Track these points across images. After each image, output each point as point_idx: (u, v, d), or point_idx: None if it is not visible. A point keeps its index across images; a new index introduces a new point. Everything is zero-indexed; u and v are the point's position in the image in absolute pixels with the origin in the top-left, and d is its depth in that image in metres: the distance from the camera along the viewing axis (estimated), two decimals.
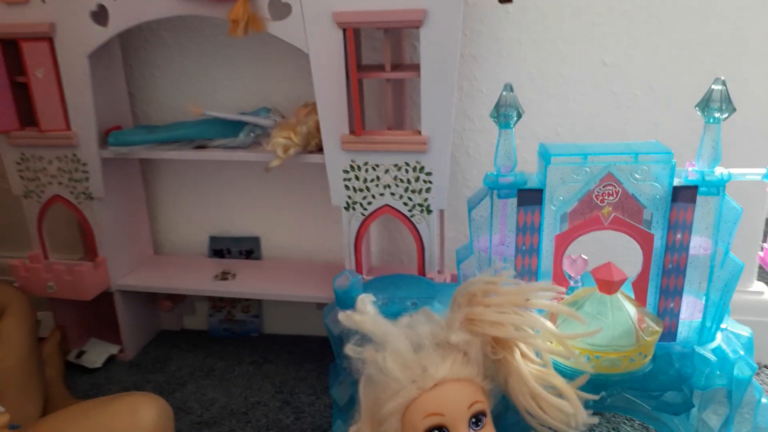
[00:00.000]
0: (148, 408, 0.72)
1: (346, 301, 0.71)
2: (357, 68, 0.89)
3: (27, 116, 1.02)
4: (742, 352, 0.68)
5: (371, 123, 1.03)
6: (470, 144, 1.06)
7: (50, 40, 0.96)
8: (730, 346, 0.70)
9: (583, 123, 1.01)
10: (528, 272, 0.69)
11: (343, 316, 0.64)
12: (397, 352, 0.59)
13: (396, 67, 0.94)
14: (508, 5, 0.97)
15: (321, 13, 0.86)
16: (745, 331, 0.73)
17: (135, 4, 0.91)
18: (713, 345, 0.69)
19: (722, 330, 0.72)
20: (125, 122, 1.10)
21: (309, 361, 1.14)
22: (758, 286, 1.06)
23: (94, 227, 1.07)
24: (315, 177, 1.09)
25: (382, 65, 0.91)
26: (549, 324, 0.60)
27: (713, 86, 0.63)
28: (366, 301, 0.66)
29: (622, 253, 0.75)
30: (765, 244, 0.70)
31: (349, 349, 0.62)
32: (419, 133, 0.90)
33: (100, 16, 0.93)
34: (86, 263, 1.06)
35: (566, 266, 0.78)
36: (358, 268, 1.00)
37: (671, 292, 0.68)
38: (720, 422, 0.68)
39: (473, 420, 0.57)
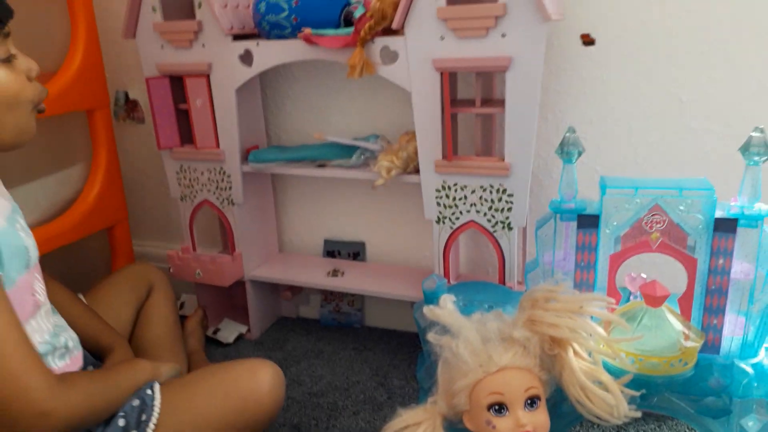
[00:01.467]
0: (265, 371, 0.83)
1: (433, 300, 0.84)
2: (450, 104, 1.05)
3: (186, 136, 1.28)
4: None
5: (464, 148, 1.18)
6: (553, 168, 1.18)
7: (207, 77, 1.20)
8: None
9: (660, 155, 1.10)
10: (585, 285, 0.82)
11: (427, 310, 0.79)
12: (468, 341, 0.73)
13: (486, 101, 1.09)
14: (591, 47, 1.09)
15: (423, 60, 1.02)
16: None
17: (274, 49, 1.13)
18: (755, 360, 0.78)
19: (767, 349, 0.80)
20: (261, 142, 1.33)
21: (402, 351, 1.31)
22: None
23: (233, 227, 1.31)
24: (412, 194, 1.26)
25: (473, 100, 1.06)
26: (599, 328, 0.72)
27: (753, 133, 0.72)
28: (447, 300, 0.81)
29: (674, 273, 0.85)
30: None
31: (431, 336, 0.78)
32: (503, 159, 1.04)
33: (247, 58, 1.16)
34: (226, 256, 1.30)
35: (627, 282, 0.89)
36: (446, 274, 1.15)
37: (714, 310, 0.78)
38: (757, 429, 0.76)
39: (528, 401, 0.70)
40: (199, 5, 1.15)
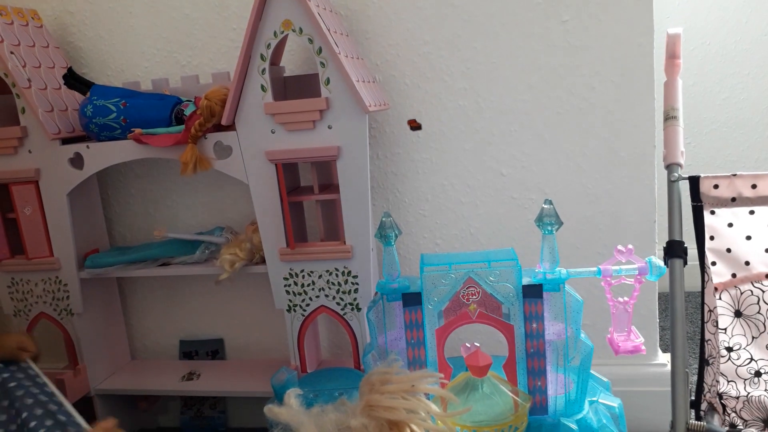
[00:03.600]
0: None
1: (282, 395, 0.83)
2: (289, 192, 1.07)
3: (16, 246, 1.20)
4: (605, 421, 0.81)
5: (312, 234, 1.20)
6: (400, 246, 1.22)
7: (36, 183, 1.15)
8: (596, 416, 0.82)
9: (489, 226, 1.18)
10: (418, 362, 0.83)
11: (266, 410, 0.77)
12: None
13: (326, 187, 1.12)
14: (418, 131, 1.17)
15: (256, 152, 1.05)
16: (614, 402, 0.86)
17: (106, 151, 1.10)
18: (580, 416, 0.82)
19: (592, 402, 0.85)
20: (102, 243, 1.27)
21: None
22: (664, 357, 1.19)
23: (74, 339, 1.22)
24: (265, 284, 1.25)
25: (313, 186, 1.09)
26: (432, 406, 0.73)
27: (544, 206, 0.79)
28: (291, 395, 0.79)
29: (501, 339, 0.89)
30: (611, 327, 0.84)
31: None
32: (345, 242, 1.06)
33: (77, 161, 1.12)
34: (68, 371, 1.20)
35: (462, 352, 0.92)
36: (302, 363, 1.13)
37: (537, 372, 0.82)
38: None
39: None
40: (23, 110, 1.11)
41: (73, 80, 1.11)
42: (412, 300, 0.81)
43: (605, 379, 0.93)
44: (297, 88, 1.10)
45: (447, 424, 0.75)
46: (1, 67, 1.08)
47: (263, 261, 1.12)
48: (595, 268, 0.80)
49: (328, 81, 0.98)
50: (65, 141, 1.13)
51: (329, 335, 1.29)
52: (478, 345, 0.90)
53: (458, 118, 1.15)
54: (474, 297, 0.80)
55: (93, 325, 1.25)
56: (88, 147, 1.11)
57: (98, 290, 1.26)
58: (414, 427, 0.72)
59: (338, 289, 1.09)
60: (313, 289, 1.09)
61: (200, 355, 1.36)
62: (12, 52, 1.09)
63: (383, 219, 0.83)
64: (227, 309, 1.33)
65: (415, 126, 1.16)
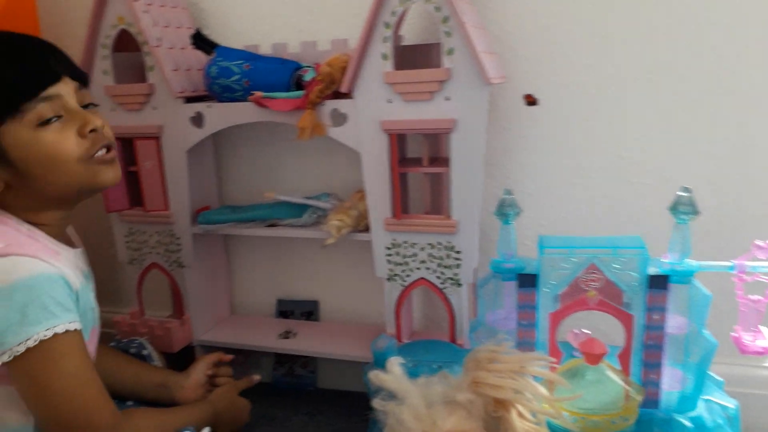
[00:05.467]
0: None
1: (382, 361, 0.84)
2: (399, 164, 1.07)
3: (135, 199, 1.27)
4: (720, 421, 0.78)
5: (416, 206, 1.20)
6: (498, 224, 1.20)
7: (158, 139, 1.20)
8: (711, 415, 0.79)
9: (601, 210, 1.14)
10: (527, 344, 0.82)
11: (372, 375, 0.79)
12: (412, 406, 0.73)
13: (435, 160, 1.12)
14: (533, 107, 1.13)
15: (371, 122, 1.05)
16: (731, 403, 0.82)
17: (225, 111, 1.14)
18: (694, 414, 0.79)
19: (707, 401, 0.81)
20: (213, 203, 1.33)
21: (356, 414, 1.28)
22: None
23: (182, 290, 1.28)
24: (365, 252, 1.27)
25: (422, 159, 1.09)
26: (541, 388, 0.72)
27: (681, 192, 0.76)
28: (394, 363, 0.80)
29: (615, 328, 0.86)
30: (737, 325, 0.80)
31: (376, 403, 0.77)
32: (450, 217, 1.06)
33: (198, 120, 1.17)
34: (174, 321, 1.27)
35: (570, 339, 0.90)
36: (398, 332, 1.15)
37: (652, 365, 0.79)
38: None
39: None
40: (151, 68, 1.16)
41: (200, 41, 1.15)
42: (527, 281, 0.80)
43: (719, 378, 0.88)
44: (411, 58, 1.09)
45: (555, 407, 0.74)
46: (135, 25, 1.14)
47: (366, 229, 1.14)
48: (729, 263, 0.76)
49: (451, 51, 0.96)
50: (188, 100, 1.17)
51: (422, 307, 1.30)
52: (588, 332, 0.88)
53: (578, 95, 1.11)
54: (595, 283, 0.78)
55: (200, 278, 1.31)
56: (209, 107, 1.15)
57: (207, 245, 1.32)
58: (520, 407, 0.72)
59: (439, 263, 1.09)
60: (414, 261, 1.10)
61: (296, 315, 1.40)
62: (145, 11, 1.14)
63: (504, 196, 0.82)
64: (324, 273, 1.36)
65: (531, 101, 1.12)
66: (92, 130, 0.83)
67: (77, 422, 0.78)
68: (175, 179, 1.22)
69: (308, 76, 1.08)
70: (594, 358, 0.76)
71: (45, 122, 0.80)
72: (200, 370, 1.13)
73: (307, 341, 1.28)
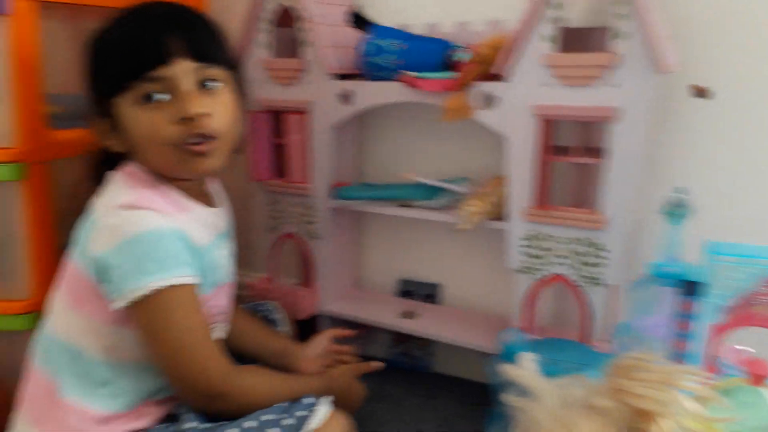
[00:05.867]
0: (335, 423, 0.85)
1: (510, 355, 0.82)
2: (546, 151, 1.03)
3: (279, 170, 1.32)
4: None
5: (557, 198, 1.15)
6: (654, 226, 1.12)
7: (306, 114, 1.24)
8: None
9: None
10: (681, 355, 0.77)
11: (506, 369, 0.77)
12: (548, 407, 0.71)
13: (588, 150, 1.07)
14: (703, 99, 1.05)
15: (523, 106, 1.02)
16: None
17: (374, 90, 1.15)
18: None
19: None
20: (349, 178, 1.35)
21: (471, 402, 1.27)
22: None
23: (314, 260, 1.33)
24: (495, 240, 1.24)
25: (570, 148, 1.04)
26: (692, 404, 0.67)
27: None
28: (527, 359, 0.78)
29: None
30: None
31: (509, 398, 0.75)
32: (599, 212, 1.01)
33: (346, 97, 1.19)
34: (305, 289, 1.32)
35: (729, 356, 0.83)
36: (527, 328, 1.12)
37: None
38: None
39: None
40: (306, 44, 1.20)
41: (358, 19, 1.17)
42: (690, 289, 0.75)
43: None
44: (572, 42, 1.04)
45: (707, 426, 0.69)
46: (298, 0, 1.17)
47: (500, 217, 1.11)
48: None
49: (622, 35, 0.91)
50: (338, 77, 1.20)
51: (546, 303, 1.25)
52: (752, 350, 0.81)
53: (760, 87, 1.01)
54: None
55: (331, 250, 1.34)
56: (359, 84, 1.17)
57: (340, 220, 1.35)
58: (665, 421, 0.67)
59: (581, 260, 1.04)
60: (553, 255, 1.06)
61: (417, 295, 1.41)
62: None
63: (674, 195, 0.76)
64: (450, 257, 1.35)
65: (701, 93, 1.04)
66: (187, 119, 0.82)
67: (190, 370, 0.81)
68: (319, 154, 1.25)
69: (461, 57, 1.07)
70: (758, 379, 0.70)
71: (147, 98, 0.81)
72: (321, 343, 1.14)
73: (428, 323, 1.28)
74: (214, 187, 1.03)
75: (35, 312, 1.03)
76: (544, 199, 1.06)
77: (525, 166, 1.05)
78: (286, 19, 1.24)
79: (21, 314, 1.04)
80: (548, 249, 1.07)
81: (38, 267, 1.04)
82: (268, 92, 1.26)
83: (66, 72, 1.11)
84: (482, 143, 1.24)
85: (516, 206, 1.08)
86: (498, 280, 1.29)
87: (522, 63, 1.01)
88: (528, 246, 1.08)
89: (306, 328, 1.43)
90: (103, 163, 0.93)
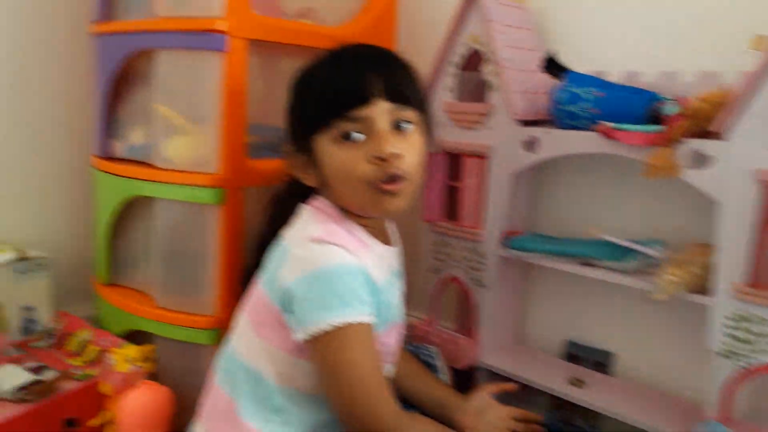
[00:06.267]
0: None
1: None
2: None
3: (450, 212, 1.29)
4: None
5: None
6: None
7: (486, 158, 1.21)
8: None
9: None
10: None
11: None
12: None
13: None
14: None
15: (744, 169, 0.90)
16: None
17: (564, 139, 1.09)
18: None
19: None
20: (520, 227, 1.29)
21: None
22: None
23: (478, 309, 1.27)
24: (691, 314, 1.10)
25: None
26: None
27: None
28: None
29: None
30: None
31: None
32: None
33: (531, 144, 1.14)
34: (466, 338, 1.26)
35: None
36: (725, 420, 0.97)
37: None
38: None
39: None
40: (494, 88, 1.17)
41: (552, 65, 1.12)
42: None
43: None
44: None
45: None
46: (488, 45, 1.15)
47: (702, 291, 0.98)
48: None
49: None
50: (525, 123, 1.15)
51: (756, 395, 1.08)
52: None
53: None
54: None
55: (496, 300, 1.28)
56: (546, 132, 1.11)
57: (509, 270, 1.28)
58: None
59: None
60: (765, 341, 0.92)
61: (585, 362, 1.29)
62: (500, 32, 1.15)
63: None
64: (629, 325, 1.23)
65: None
66: (381, 158, 0.83)
67: (363, 410, 0.80)
68: (494, 200, 1.21)
69: (668, 110, 0.98)
70: None
71: (345, 137, 0.83)
72: (483, 397, 1.09)
73: (598, 394, 1.16)
74: (390, 225, 1.02)
75: (218, 329, 1.09)
76: (761, 276, 0.92)
77: (740, 236, 0.92)
78: (471, 62, 1.23)
79: (205, 329, 1.10)
80: (760, 334, 0.92)
81: (225, 286, 1.10)
82: (448, 134, 1.25)
83: (262, 104, 1.18)
84: (682, 204, 1.12)
85: (724, 281, 0.95)
86: (688, 359, 1.14)
87: (744, 122, 0.89)
88: (735, 327, 0.95)
89: (462, 379, 1.38)
90: (293, 195, 0.97)
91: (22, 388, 1.07)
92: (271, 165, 1.11)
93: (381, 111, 0.83)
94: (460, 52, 1.22)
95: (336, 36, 0.99)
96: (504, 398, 1.21)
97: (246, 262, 1.09)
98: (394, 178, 0.84)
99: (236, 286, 1.12)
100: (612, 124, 1.01)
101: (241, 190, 1.10)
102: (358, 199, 0.86)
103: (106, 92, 1.20)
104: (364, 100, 0.83)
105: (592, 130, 1.04)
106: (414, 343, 1.22)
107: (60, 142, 1.45)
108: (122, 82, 1.22)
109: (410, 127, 0.87)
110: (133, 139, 1.22)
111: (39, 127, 1.41)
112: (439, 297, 1.35)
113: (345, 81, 0.84)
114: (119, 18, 1.19)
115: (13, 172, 1.38)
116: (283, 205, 1.00)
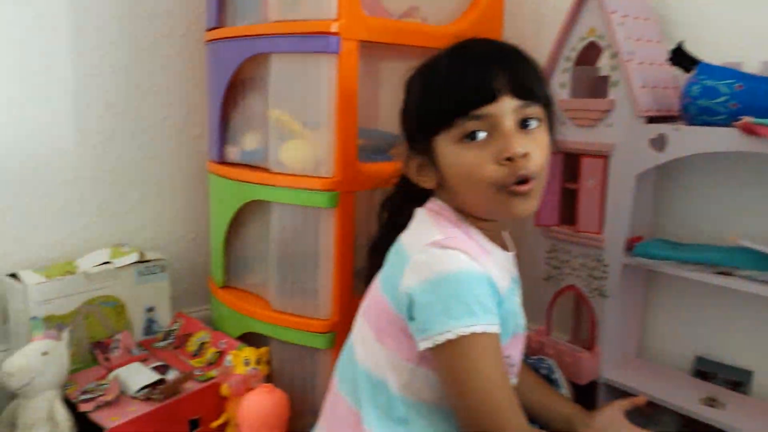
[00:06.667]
0: None
1: None
2: None
3: (566, 216, 1.23)
4: None
5: None
6: None
7: (606, 158, 1.13)
8: None
9: None
10: None
11: None
12: None
13: None
14: None
15: None
16: None
17: (697, 136, 1.00)
18: None
19: None
20: (644, 232, 1.20)
21: None
22: None
23: (598, 321, 1.19)
24: None
25: None
26: None
27: None
28: None
29: None
30: None
31: None
32: None
33: (658, 143, 1.06)
34: (584, 351, 1.19)
35: None
36: None
37: None
38: None
39: None
40: (615, 84, 1.10)
41: (681, 56, 1.03)
42: None
43: None
44: None
45: None
46: (608, 38, 1.08)
47: None
48: None
49: None
50: (650, 120, 1.07)
51: None
52: None
53: None
54: None
55: (617, 311, 1.20)
56: (676, 129, 1.03)
57: (630, 278, 1.20)
58: None
59: None
60: None
61: (718, 380, 1.18)
62: (620, 23, 1.08)
63: None
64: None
65: None
66: (509, 159, 0.78)
67: (489, 423, 0.76)
68: (616, 203, 1.13)
69: None
70: None
71: (469, 137, 0.79)
72: (613, 414, 1.01)
73: (738, 416, 1.05)
74: (505, 232, 0.98)
75: (333, 332, 1.08)
76: None
77: None
78: (586, 57, 1.16)
79: (321, 333, 1.10)
80: None
81: (339, 290, 1.10)
82: (564, 134, 1.18)
83: (366, 107, 1.17)
84: None
85: None
86: None
87: None
88: None
89: (580, 394, 1.30)
90: (404, 198, 0.95)
91: (149, 387, 1.11)
92: (381, 168, 1.10)
93: (507, 109, 0.79)
94: (575, 46, 1.16)
95: (443, 34, 0.95)
96: (628, 416, 1.13)
97: (356, 266, 1.09)
98: (524, 179, 0.79)
99: (348, 290, 1.11)
100: (755, 120, 0.91)
101: (353, 193, 1.09)
102: (484, 202, 0.82)
103: (221, 98, 1.24)
104: (490, 97, 0.78)
105: (731, 126, 0.95)
106: (529, 356, 1.16)
107: (176, 149, 1.52)
108: (234, 88, 1.25)
109: (536, 125, 0.82)
110: (246, 144, 1.24)
111: (156, 134, 1.48)
112: (553, 306, 1.28)
113: (469, 77, 0.80)
114: (233, 24, 1.22)
115: (132, 177, 1.46)
116: (394, 208, 0.98)
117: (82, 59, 1.34)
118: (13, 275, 1.23)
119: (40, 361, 1.05)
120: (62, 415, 1.06)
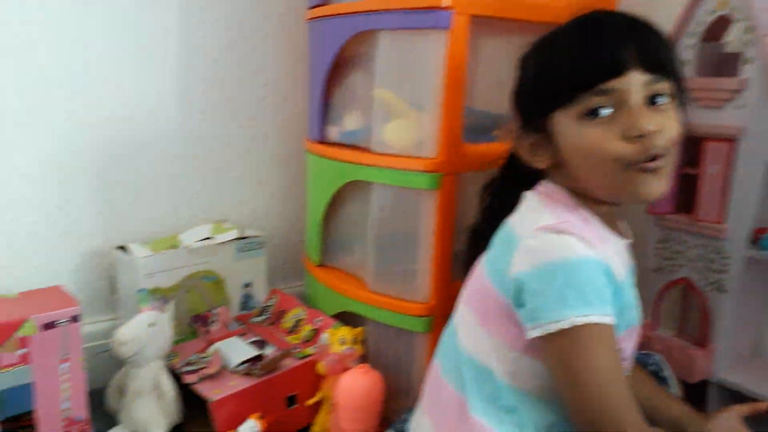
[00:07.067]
0: None
1: None
2: None
3: (682, 204, 1.14)
4: None
5: None
6: None
7: (733, 142, 1.04)
8: None
9: None
10: None
11: None
12: None
13: None
14: None
15: None
16: None
17: None
18: None
19: None
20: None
21: None
22: None
23: (714, 317, 1.11)
24: None
25: None
26: None
27: None
28: None
29: None
30: None
31: None
32: None
33: None
34: (697, 348, 1.11)
35: None
36: None
37: None
38: None
39: None
40: (748, 61, 1.00)
41: None
42: None
43: None
44: None
45: None
46: (743, 10, 0.99)
47: None
48: None
49: None
50: None
51: None
52: None
53: None
54: None
55: (737, 307, 1.11)
56: None
57: (755, 273, 1.11)
58: None
59: None
60: None
61: None
62: None
63: None
64: None
65: None
66: (639, 136, 0.72)
67: (605, 419, 0.71)
68: (743, 191, 1.04)
69: None
70: None
71: (592, 113, 0.73)
72: (731, 419, 0.94)
73: None
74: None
75: (431, 316, 1.06)
76: None
77: None
78: (713, 32, 1.07)
79: (418, 316, 1.08)
80: None
81: (438, 273, 1.07)
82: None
83: (474, 86, 1.13)
84: None
85: None
86: None
87: None
88: None
89: (690, 394, 1.23)
90: (510, 181, 0.90)
91: (248, 362, 1.13)
92: (485, 149, 1.06)
93: (636, 83, 0.73)
94: (703, 19, 1.06)
95: (558, 7, 0.89)
96: (753, 421, 1.05)
97: (456, 250, 1.05)
98: (655, 157, 0.73)
99: (447, 274, 1.09)
100: None
101: (456, 175, 1.06)
102: (609, 182, 0.76)
103: (325, 77, 1.23)
104: (617, 71, 0.73)
105: None
106: (638, 351, 1.10)
107: (275, 127, 1.53)
108: (336, 67, 1.23)
109: (666, 101, 0.76)
110: (347, 123, 1.23)
111: (256, 113, 1.50)
112: (662, 299, 1.20)
113: (594, 50, 0.74)
114: (337, 1, 1.19)
115: (232, 156, 1.48)
116: (498, 191, 0.94)
117: (187, 38, 1.37)
118: (122, 247, 1.28)
119: (147, 332, 1.09)
120: (167, 385, 1.10)
